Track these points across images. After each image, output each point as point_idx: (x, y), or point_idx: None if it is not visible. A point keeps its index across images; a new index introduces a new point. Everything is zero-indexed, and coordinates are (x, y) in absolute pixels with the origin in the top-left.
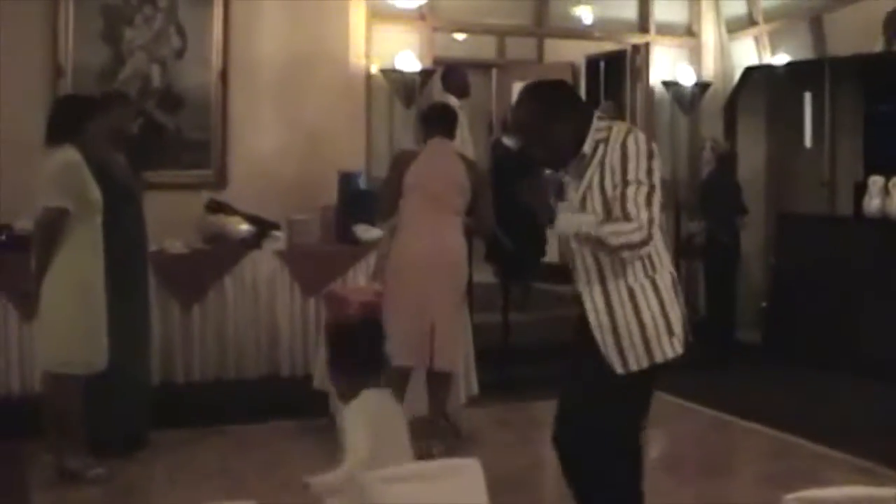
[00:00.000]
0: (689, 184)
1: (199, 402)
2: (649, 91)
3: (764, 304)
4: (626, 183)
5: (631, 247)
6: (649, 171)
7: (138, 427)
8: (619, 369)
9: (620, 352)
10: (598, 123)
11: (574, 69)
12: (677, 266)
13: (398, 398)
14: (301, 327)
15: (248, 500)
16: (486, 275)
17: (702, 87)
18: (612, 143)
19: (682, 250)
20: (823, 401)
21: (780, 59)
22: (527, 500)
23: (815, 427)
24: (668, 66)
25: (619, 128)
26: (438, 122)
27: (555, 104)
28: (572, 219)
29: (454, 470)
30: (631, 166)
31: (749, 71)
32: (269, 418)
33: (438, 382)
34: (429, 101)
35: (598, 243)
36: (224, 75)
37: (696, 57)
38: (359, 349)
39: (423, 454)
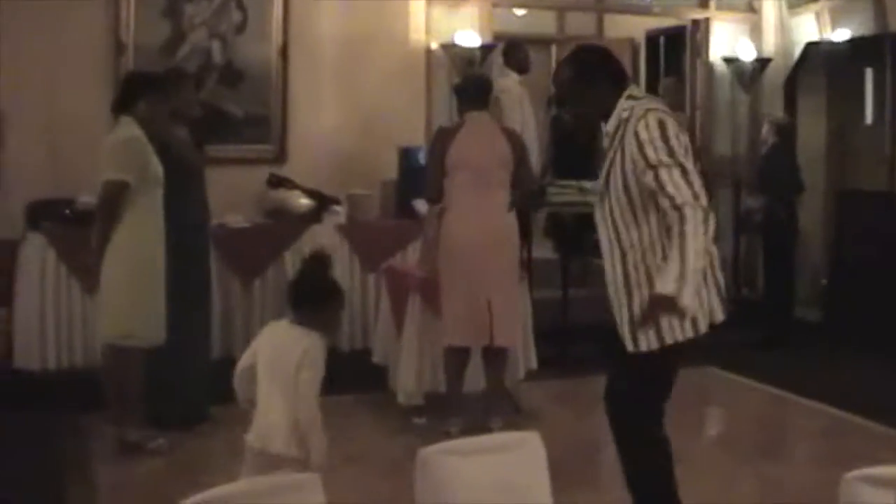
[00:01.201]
0: (748, 160)
1: None
2: (709, 67)
3: (824, 282)
4: (653, 168)
5: (705, 231)
6: (670, 152)
7: (198, 401)
8: (630, 347)
9: (632, 330)
10: (624, 102)
11: (633, 45)
12: (736, 243)
13: (457, 378)
14: (360, 302)
15: (310, 473)
16: (545, 250)
17: (762, 63)
18: (630, 125)
19: (740, 227)
20: (883, 380)
21: (841, 34)
22: (586, 475)
23: (875, 406)
24: (728, 41)
25: (639, 109)
26: (474, 94)
27: (589, 70)
28: (690, 289)
29: (515, 443)
30: (649, 152)
31: (810, 47)
32: (329, 392)
33: (495, 357)
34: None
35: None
36: (284, 51)
37: (756, 33)
38: (296, 280)
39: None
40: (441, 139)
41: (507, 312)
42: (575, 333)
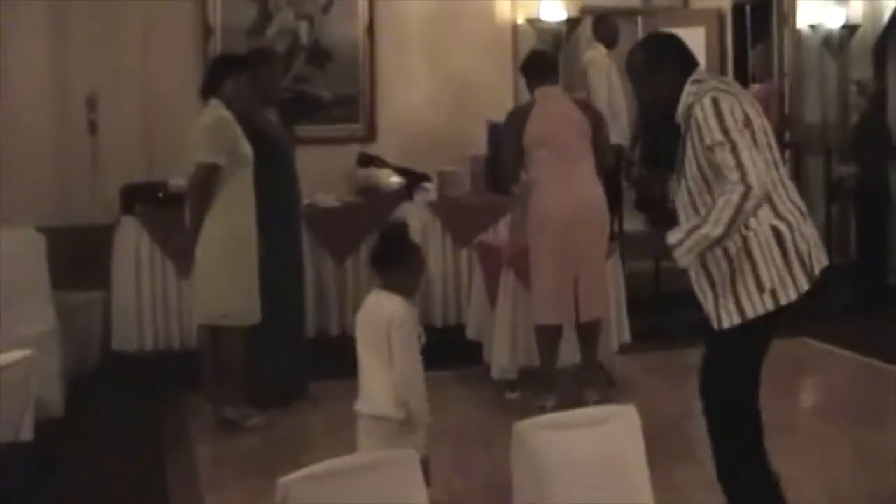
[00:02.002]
0: (839, 127)
1: (353, 353)
2: (796, 35)
3: None
4: (709, 150)
5: (738, 211)
6: (724, 130)
7: (295, 379)
8: (714, 325)
9: (716, 308)
10: (689, 87)
11: (720, 15)
12: (828, 211)
13: (551, 353)
14: (453, 278)
15: (406, 449)
16: (636, 222)
17: (850, 29)
18: (693, 110)
19: (832, 194)
20: None
21: None
22: (682, 447)
23: None
24: (815, 8)
25: (701, 91)
26: (541, 70)
27: (657, 57)
28: (687, 246)
29: (611, 416)
30: (705, 133)
31: None
32: (423, 369)
33: (588, 331)
34: (576, 51)
35: (717, 242)
36: (371, 29)
37: None
38: (374, 247)
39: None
40: (514, 119)
41: (595, 287)
42: (668, 305)
